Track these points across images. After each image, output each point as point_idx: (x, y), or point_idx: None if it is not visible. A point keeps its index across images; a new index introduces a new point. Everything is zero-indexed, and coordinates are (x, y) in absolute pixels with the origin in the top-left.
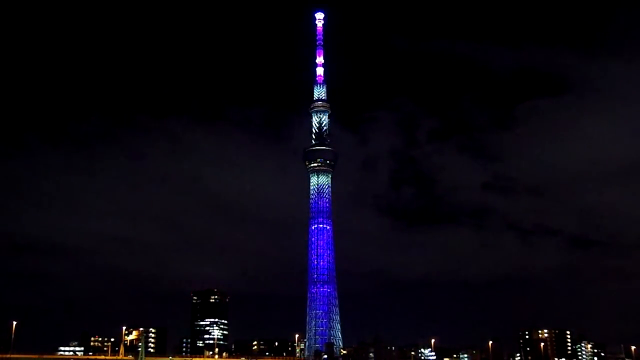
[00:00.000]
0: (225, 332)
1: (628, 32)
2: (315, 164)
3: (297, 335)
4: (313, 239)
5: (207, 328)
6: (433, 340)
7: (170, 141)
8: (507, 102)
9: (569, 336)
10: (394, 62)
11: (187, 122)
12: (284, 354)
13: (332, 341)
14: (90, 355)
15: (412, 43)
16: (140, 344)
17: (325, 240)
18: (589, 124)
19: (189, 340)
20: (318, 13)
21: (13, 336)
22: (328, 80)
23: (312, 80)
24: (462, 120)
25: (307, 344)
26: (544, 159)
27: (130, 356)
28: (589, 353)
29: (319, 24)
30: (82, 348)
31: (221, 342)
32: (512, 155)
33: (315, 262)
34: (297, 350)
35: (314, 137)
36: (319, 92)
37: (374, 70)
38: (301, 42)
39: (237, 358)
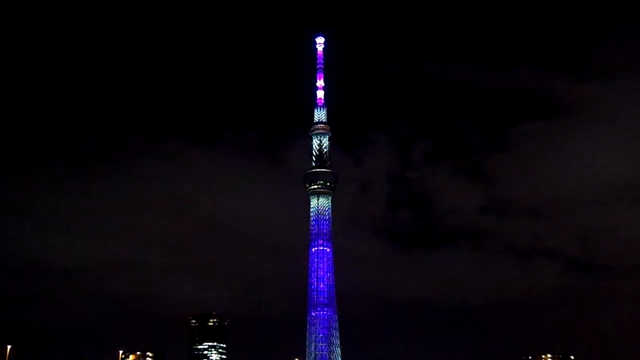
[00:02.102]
0: (223, 356)
1: (619, 54)
2: (316, 186)
3: (296, 359)
4: (313, 261)
5: (206, 352)
6: None
7: (166, 163)
8: (501, 124)
9: None
10: (389, 86)
11: (184, 145)
12: None
13: None
14: None
15: (407, 67)
16: None
17: (326, 263)
18: (584, 146)
19: None
20: (319, 37)
21: None
22: (325, 103)
23: (309, 103)
24: (457, 143)
25: None
26: (540, 181)
27: None
28: None
29: (320, 47)
30: None
31: None
32: (508, 177)
33: (315, 285)
34: None
35: (314, 159)
36: (319, 115)
37: (370, 93)
38: (298, 65)
39: None
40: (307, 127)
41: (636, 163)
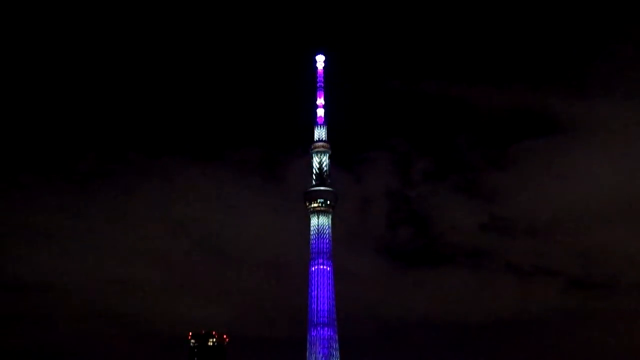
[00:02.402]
0: None
1: (618, 71)
2: (316, 205)
3: None
4: (313, 280)
5: None
6: None
7: (165, 181)
8: (500, 142)
9: None
10: (389, 104)
11: (183, 162)
12: None
13: None
14: None
15: (406, 85)
16: None
17: (326, 282)
18: (583, 164)
19: None
20: (319, 55)
21: None
22: (325, 121)
23: (309, 121)
24: (456, 161)
25: None
26: (540, 199)
27: None
28: None
29: (320, 66)
30: None
31: None
32: (508, 195)
33: (316, 305)
34: None
35: (314, 177)
36: (320, 133)
37: (370, 111)
38: (298, 83)
39: None
40: (307, 145)
41: (636, 180)
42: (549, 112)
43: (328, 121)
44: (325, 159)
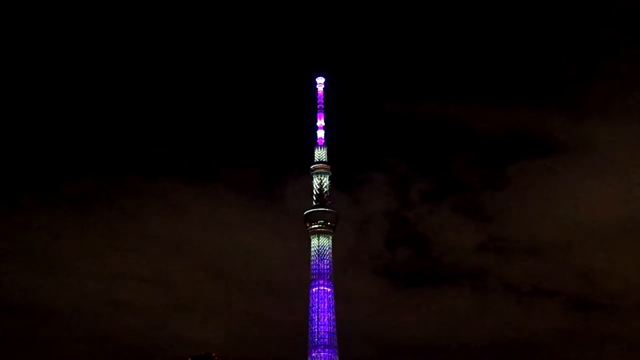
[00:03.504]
0: None
1: (617, 90)
2: (317, 226)
3: None
4: (313, 301)
5: None
6: None
7: (162, 202)
8: (498, 162)
9: None
10: (387, 124)
11: (180, 183)
12: None
13: None
14: None
15: (404, 106)
16: None
17: (327, 304)
18: (581, 184)
19: None
20: (319, 77)
21: None
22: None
23: (309, 142)
24: (454, 181)
25: None
26: (538, 220)
27: None
28: None
29: (320, 87)
30: None
31: None
32: (506, 215)
33: (316, 326)
34: None
35: (314, 198)
36: (320, 154)
37: (368, 132)
38: (298, 104)
39: None
40: (306, 166)
41: (635, 200)
42: (546, 132)
43: (328, 142)
44: (326, 180)
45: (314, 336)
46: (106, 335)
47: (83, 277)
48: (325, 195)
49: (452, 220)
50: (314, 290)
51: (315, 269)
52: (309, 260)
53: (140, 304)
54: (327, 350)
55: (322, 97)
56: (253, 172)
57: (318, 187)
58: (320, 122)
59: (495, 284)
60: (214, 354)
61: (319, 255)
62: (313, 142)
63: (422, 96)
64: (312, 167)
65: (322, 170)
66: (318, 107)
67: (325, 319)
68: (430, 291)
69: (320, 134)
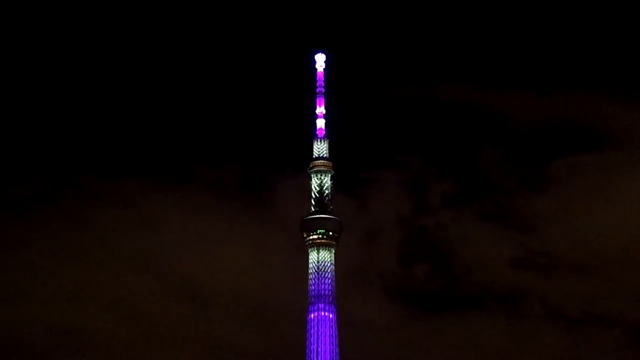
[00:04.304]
0: None
1: None
2: (316, 236)
3: None
4: (312, 330)
5: None
6: None
7: (124, 208)
8: (536, 158)
9: None
10: (399, 112)
11: (146, 184)
12: None
13: None
14: None
15: (421, 89)
16: None
17: (328, 332)
18: (639, 184)
19: None
20: (319, 54)
21: None
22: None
23: (306, 134)
24: (483, 182)
25: None
26: (588, 229)
27: None
28: None
29: (320, 67)
30: None
31: None
32: (548, 223)
33: (316, 359)
34: None
35: (313, 203)
36: (320, 149)
37: (375, 122)
38: (291, 88)
39: None
40: (302, 163)
41: None
42: (597, 123)
43: (328, 134)
44: (327, 180)
45: None
46: None
47: (28, 300)
48: (327, 199)
49: (481, 230)
50: (312, 316)
51: (314, 291)
52: (307, 279)
53: (100, 334)
54: None
55: (323, 78)
56: (235, 171)
57: (317, 188)
58: (320, 110)
59: (535, 309)
60: None
61: (318, 273)
62: (311, 134)
63: (444, 78)
64: (310, 164)
65: (322, 169)
66: (317, 91)
67: (327, 352)
68: (455, 318)
69: (320, 123)
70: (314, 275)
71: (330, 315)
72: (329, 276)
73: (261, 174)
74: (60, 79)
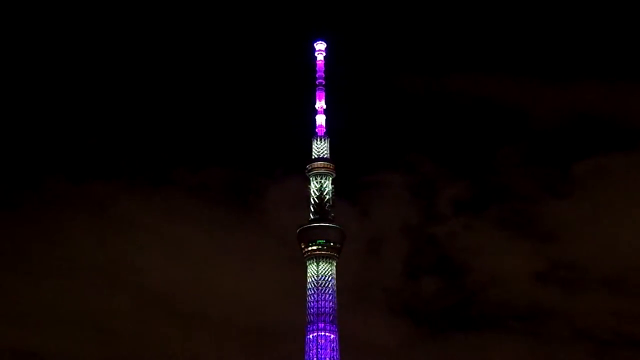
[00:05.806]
0: None
1: None
2: (316, 247)
3: None
4: (311, 352)
5: None
6: None
7: (95, 213)
8: (560, 159)
9: None
10: (407, 108)
11: (117, 189)
12: None
13: None
14: None
15: (431, 82)
16: None
17: (329, 354)
18: None
19: None
20: (319, 43)
21: None
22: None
23: (304, 132)
24: (500, 185)
25: None
26: (618, 237)
27: None
28: None
29: (320, 56)
30: None
31: None
32: (573, 232)
33: None
34: None
35: (312, 209)
36: (320, 148)
37: (379, 118)
38: (286, 79)
39: None
40: (297, 164)
41: None
42: (627, 118)
43: (329, 132)
44: (328, 184)
45: None
46: None
47: None
48: (327, 205)
49: (498, 240)
50: (311, 336)
51: (314, 308)
52: (304, 295)
53: (68, 357)
54: None
55: (323, 69)
56: (219, 173)
57: (317, 193)
58: (320, 104)
59: (561, 329)
60: None
61: (318, 289)
62: (310, 132)
63: (455, 67)
64: (308, 166)
65: (323, 171)
66: (317, 83)
67: None
68: (468, 339)
69: (320, 120)
70: (312, 291)
71: (331, 336)
72: (330, 292)
73: (248, 177)
74: (27, 75)
